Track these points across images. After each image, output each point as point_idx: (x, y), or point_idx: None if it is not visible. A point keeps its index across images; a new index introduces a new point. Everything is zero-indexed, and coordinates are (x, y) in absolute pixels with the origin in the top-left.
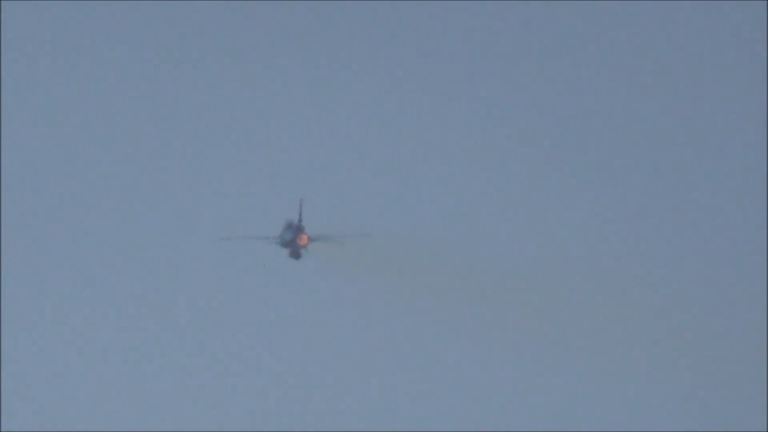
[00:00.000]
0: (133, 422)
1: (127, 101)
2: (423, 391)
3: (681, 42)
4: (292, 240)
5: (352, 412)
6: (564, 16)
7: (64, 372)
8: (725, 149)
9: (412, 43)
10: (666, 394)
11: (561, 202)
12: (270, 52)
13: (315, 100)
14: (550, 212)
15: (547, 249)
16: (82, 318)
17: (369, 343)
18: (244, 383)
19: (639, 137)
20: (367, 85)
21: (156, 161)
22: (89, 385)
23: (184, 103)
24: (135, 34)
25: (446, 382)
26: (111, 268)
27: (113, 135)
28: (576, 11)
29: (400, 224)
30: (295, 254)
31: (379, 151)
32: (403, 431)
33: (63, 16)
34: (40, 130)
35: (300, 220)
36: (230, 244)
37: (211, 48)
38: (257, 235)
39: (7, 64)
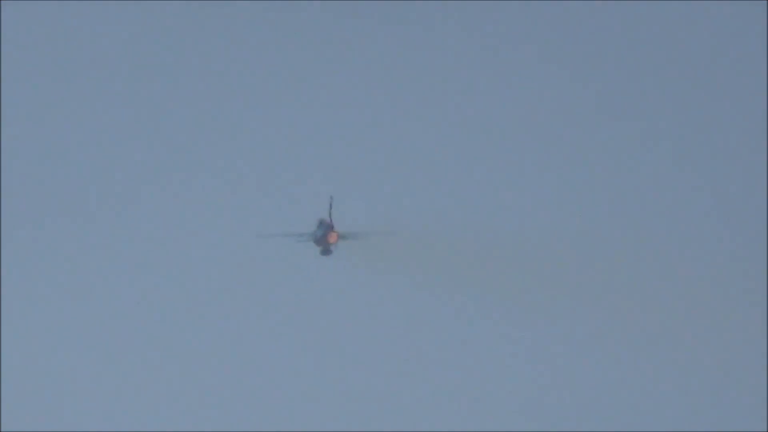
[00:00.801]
0: (150, 423)
1: (137, 101)
2: (446, 384)
3: (681, 42)
4: (323, 237)
5: (379, 407)
6: (564, 16)
7: (64, 372)
8: (725, 149)
9: (437, 42)
10: (665, 395)
11: (577, 200)
12: (296, 50)
13: (339, 101)
14: (569, 209)
15: (571, 245)
16: (93, 317)
17: (393, 334)
18: (273, 377)
19: (638, 137)
20: (392, 85)
21: (180, 159)
22: (89, 385)
23: (199, 103)
24: (140, 34)
25: (469, 376)
26: (129, 267)
27: (125, 136)
28: (576, 11)
29: (423, 223)
30: (326, 251)
31: (403, 153)
32: (409, 425)
33: (63, 16)
34: (40, 130)
35: (330, 218)
36: (265, 240)
37: (227, 45)
38: (291, 232)
39: (7, 64)
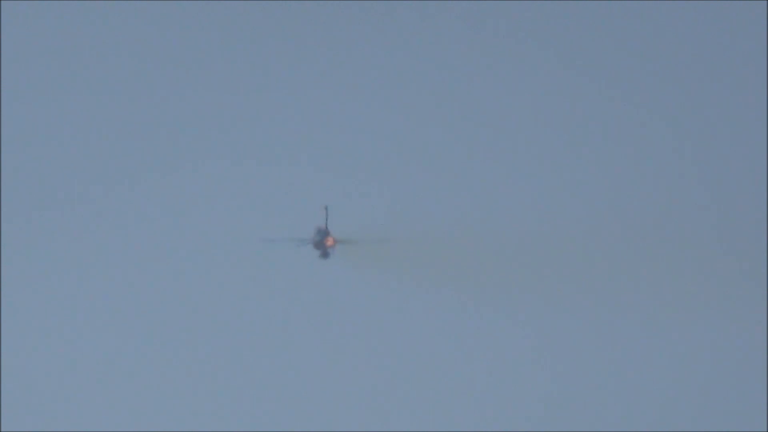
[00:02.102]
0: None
1: (137, 101)
2: (440, 384)
3: (681, 42)
4: (321, 242)
5: (372, 406)
6: (564, 16)
7: (64, 372)
8: (725, 150)
9: (437, 49)
10: (665, 395)
11: (574, 204)
12: (294, 59)
13: (337, 109)
14: (565, 214)
15: (568, 249)
16: (92, 320)
17: (386, 334)
18: (274, 374)
19: (638, 138)
20: (390, 94)
21: (186, 165)
22: (90, 385)
23: (194, 106)
24: (140, 34)
25: (463, 377)
26: (131, 269)
27: (127, 137)
28: (576, 11)
29: (417, 229)
30: (324, 255)
31: (399, 161)
32: (406, 427)
33: (63, 16)
34: (41, 130)
35: (326, 225)
36: (268, 244)
37: (227, 51)
38: (292, 237)
39: (7, 64)
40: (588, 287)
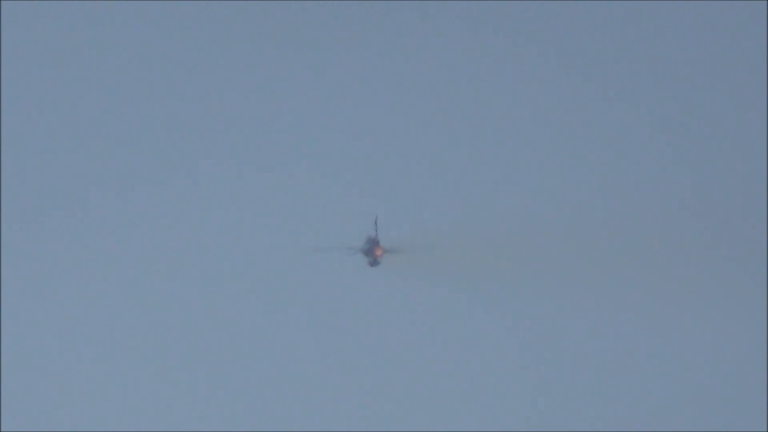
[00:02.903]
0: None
1: (137, 103)
2: (487, 390)
3: (681, 42)
4: (370, 250)
5: (414, 411)
6: (563, 16)
7: (65, 372)
8: (725, 150)
9: (478, 59)
10: (665, 395)
11: (594, 205)
12: (308, 62)
13: (384, 121)
14: (585, 215)
15: (609, 255)
16: (95, 322)
17: (434, 336)
18: (323, 377)
19: (638, 138)
20: (439, 105)
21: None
22: (91, 385)
23: (198, 108)
24: (145, 34)
25: (510, 382)
26: (176, 277)
27: (124, 139)
28: (576, 11)
29: (464, 238)
30: (374, 263)
31: (447, 172)
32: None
33: (63, 16)
34: (41, 130)
35: (376, 234)
36: (320, 253)
37: (236, 52)
38: (343, 246)
39: (7, 64)
40: (615, 290)
